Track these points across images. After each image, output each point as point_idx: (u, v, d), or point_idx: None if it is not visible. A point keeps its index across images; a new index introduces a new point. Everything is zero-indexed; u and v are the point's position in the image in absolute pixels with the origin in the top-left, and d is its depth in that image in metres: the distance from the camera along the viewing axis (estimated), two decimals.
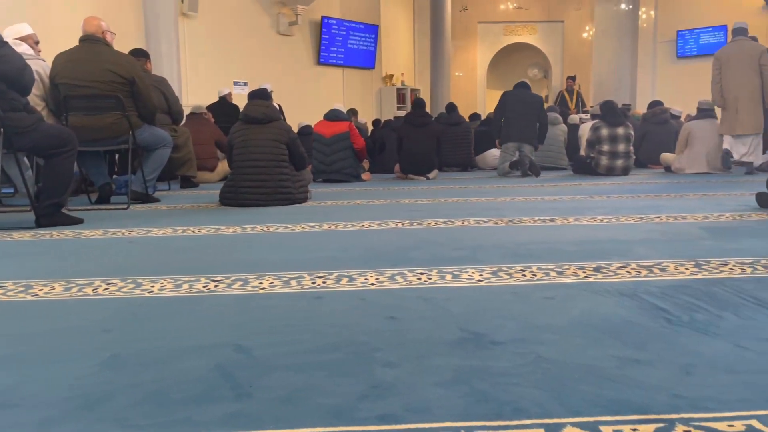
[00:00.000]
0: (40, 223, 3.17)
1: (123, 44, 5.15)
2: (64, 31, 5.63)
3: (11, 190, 4.78)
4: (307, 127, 7.56)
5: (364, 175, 6.47)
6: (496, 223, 3.12)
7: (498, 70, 14.25)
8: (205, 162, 6.13)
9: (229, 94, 7.49)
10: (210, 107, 7.04)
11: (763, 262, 2.05)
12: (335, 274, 1.98)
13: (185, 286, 1.88)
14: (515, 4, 13.97)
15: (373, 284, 1.86)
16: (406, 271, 2.01)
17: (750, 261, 2.07)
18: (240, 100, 5.84)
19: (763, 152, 6.89)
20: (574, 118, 8.74)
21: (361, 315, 1.54)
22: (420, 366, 1.19)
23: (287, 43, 9.91)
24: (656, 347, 1.27)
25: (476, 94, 14.29)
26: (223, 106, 7.20)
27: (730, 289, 1.71)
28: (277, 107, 6.91)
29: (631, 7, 13.20)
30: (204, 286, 1.86)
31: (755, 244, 2.40)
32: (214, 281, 1.92)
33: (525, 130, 6.51)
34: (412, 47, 13.54)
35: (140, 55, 4.99)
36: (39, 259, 2.44)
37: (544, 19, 14.09)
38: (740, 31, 6.37)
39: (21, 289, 1.88)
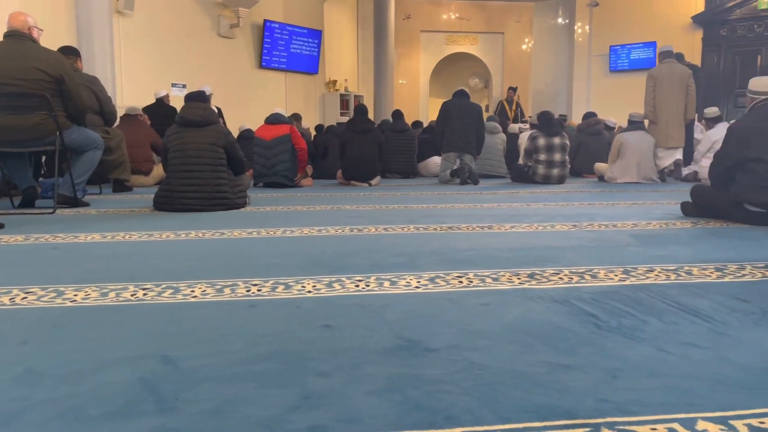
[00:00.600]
0: None
1: (53, 41, 4.92)
2: None
3: None
4: (248, 131, 7.43)
5: (306, 181, 6.41)
6: (435, 229, 3.14)
7: (440, 79, 14.46)
8: (140, 165, 5.92)
9: (167, 95, 7.28)
10: (146, 109, 6.81)
11: (686, 268, 2.14)
12: (271, 282, 1.94)
13: (111, 294, 1.79)
14: (457, 15, 14.22)
15: (309, 292, 1.83)
16: (344, 278, 1.99)
17: (674, 267, 2.15)
18: (178, 102, 5.67)
19: (686, 165, 7.28)
20: (513, 127, 8.94)
21: (295, 323, 1.51)
22: (353, 375, 1.17)
23: (228, 45, 9.73)
24: (585, 352, 1.30)
25: (419, 101, 14.44)
26: (160, 108, 6.98)
27: (655, 294, 1.77)
28: (216, 110, 6.78)
29: (567, 21, 13.69)
30: (132, 295, 1.79)
31: (679, 251, 2.50)
32: (143, 289, 1.85)
33: (466, 139, 6.63)
34: (356, 54, 13.56)
35: (70, 52, 4.78)
36: None
37: (485, 30, 14.41)
38: (668, 54, 6.94)
39: None
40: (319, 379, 1.15)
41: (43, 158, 5.15)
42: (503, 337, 1.40)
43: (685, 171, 6.98)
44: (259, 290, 1.84)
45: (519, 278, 2.00)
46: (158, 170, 5.97)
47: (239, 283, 1.93)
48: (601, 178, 7.00)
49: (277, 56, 10.56)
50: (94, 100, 4.75)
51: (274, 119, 6.02)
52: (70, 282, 1.94)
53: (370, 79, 12.53)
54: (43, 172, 5.26)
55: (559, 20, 13.88)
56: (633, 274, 2.06)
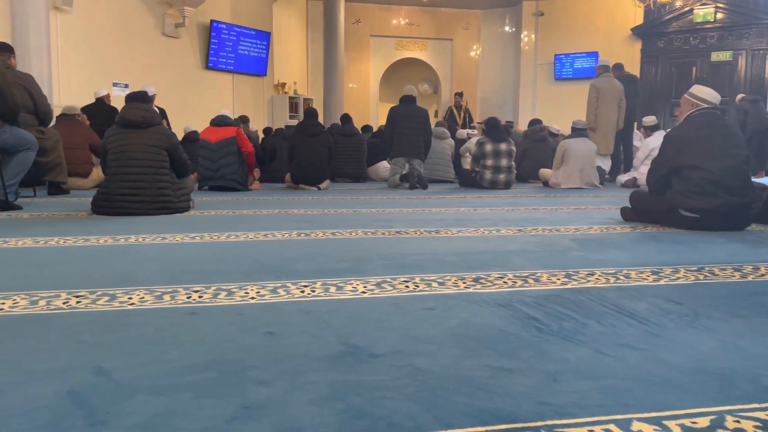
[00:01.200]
0: None
1: None
2: None
3: None
4: (194, 133, 7.27)
5: (254, 185, 6.31)
6: (383, 234, 3.14)
7: (391, 84, 14.52)
8: (78, 167, 5.70)
9: (107, 95, 7.04)
10: (85, 109, 6.57)
11: (625, 272, 2.21)
12: (213, 288, 1.89)
13: (42, 302, 1.71)
14: (407, 20, 14.32)
15: (253, 298, 1.79)
16: (289, 284, 1.96)
17: (613, 271, 2.22)
18: (120, 102, 5.47)
19: (626, 171, 7.55)
20: (461, 133, 9.07)
21: (237, 331, 1.48)
22: (295, 383, 1.15)
23: (173, 45, 9.50)
24: (527, 355, 1.31)
25: (369, 105, 14.46)
26: (100, 108, 6.74)
27: (595, 297, 1.82)
28: (159, 111, 6.59)
29: (514, 29, 14.00)
30: (64, 303, 1.71)
31: (619, 255, 2.58)
32: (77, 297, 1.77)
33: (414, 144, 6.68)
34: (306, 56, 13.47)
35: (3, 49, 4.56)
36: None
37: (434, 36, 14.56)
38: (605, 69, 7.70)
39: None
40: (259, 388, 1.12)
41: None
42: (447, 342, 1.40)
43: (625, 177, 7.24)
44: (200, 297, 1.79)
45: (464, 282, 2.01)
46: (97, 172, 5.76)
47: (180, 289, 1.87)
48: (546, 184, 7.17)
49: (224, 57, 10.38)
50: (27, 98, 4.54)
51: (219, 121, 5.91)
52: None
53: (320, 82, 12.46)
54: None
55: (506, 28, 14.18)
56: (574, 277, 2.10)
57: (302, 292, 1.86)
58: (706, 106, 3.50)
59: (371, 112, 14.38)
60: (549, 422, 0.99)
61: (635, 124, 8.18)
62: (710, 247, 2.79)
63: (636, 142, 8.10)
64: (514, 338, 1.43)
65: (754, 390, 1.12)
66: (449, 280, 2.05)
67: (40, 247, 2.67)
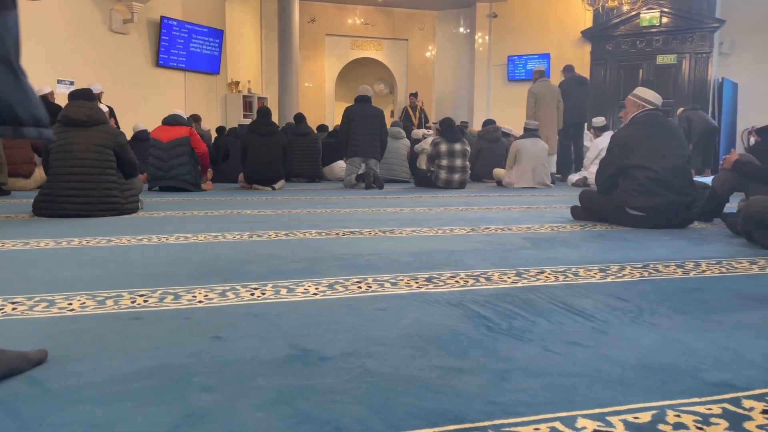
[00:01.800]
0: None
1: None
2: None
3: None
4: (144, 132, 7.09)
5: (206, 185, 6.19)
6: (337, 234, 3.12)
7: (346, 83, 14.47)
8: (19, 168, 5.47)
9: (51, 93, 6.79)
10: None
11: (573, 269, 2.25)
12: (159, 292, 1.83)
13: None
14: (362, 20, 14.30)
15: (201, 302, 1.74)
16: (238, 287, 1.92)
17: (563, 269, 2.26)
18: (65, 100, 5.28)
19: (576, 171, 7.73)
20: (417, 133, 9.11)
21: (183, 336, 1.44)
22: (241, 388, 1.12)
23: (122, 41, 9.22)
24: (476, 355, 1.32)
25: (325, 105, 14.37)
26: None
27: (544, 295, 1.84)
28: (106, 109, 6.39)
29: (468, 31, 14.15)
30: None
31: (568, 253, 2.63)
32: (13, 303, 1.69)
33: (370, 144, 6.67)
34: (260, 55, 13.30)
35: None
36: None
37: (389, 36, 14.58)
38: (541, 74, 8.30)
39: None
40: (204, 395, 1.09)
41: None
42: (398, 343, 1.40)
43: (575, 177, 7.41)
44: (145, 301, 1.73)
45: (417, 282, 2.01)
46: (40, 173, 5.54)
47: (124, 294, 1.81)
48: (500, 183, 7.28)
49: (175, 55, 10.15)
50: None
51: (171, 120, 5.77)
52: None
53: (275, 81, 12.31)
54: None
55: (461, 29, 14.33)
56: (525, 276, 2.13)
57: (252, 294, 1.82)
58: (650, 107, 3.61)
59: (327, 111, 14.30)
60: (497, 422, 0.99)
61: (585, 124, 8.39)
62: (655, 245, 2.88)
63: (586, 143, 8.31)
64: (465, 338, 1.44)
65: (694, 384, 1.15)
66: (402, 280, 2.05)
67: None
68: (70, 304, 1.69)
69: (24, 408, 1.03)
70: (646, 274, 2.20)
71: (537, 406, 1.05)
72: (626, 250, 2.71)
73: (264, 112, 6.48)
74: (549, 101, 7.96)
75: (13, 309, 1.64)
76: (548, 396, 1.10)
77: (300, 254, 2.53)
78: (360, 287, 1.94)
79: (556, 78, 9.44)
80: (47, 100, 6.64)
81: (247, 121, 8.51)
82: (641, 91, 3.69)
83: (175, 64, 10.16)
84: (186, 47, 10.33)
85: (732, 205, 3.96)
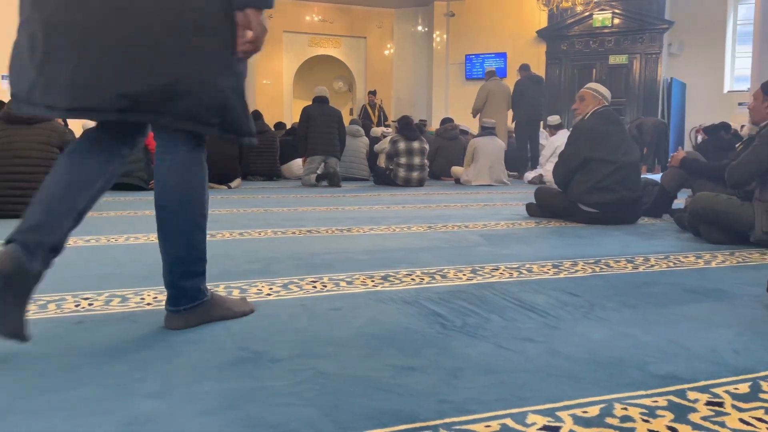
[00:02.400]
0: None
1: None
2: None
3: None
4: None
5: None
6: (294, 233, 3.08)
7: (305, 80, 14.35)
8: None
9: None
10: None
11: (527, 266, 2.28)
12: (105, 295, 1.77)
13: None
14: (320, 17, 14.20)
15: (149, 304, 1.69)
16: None
17: (517, 265, 2.28)
18: (6, 96, 5.09)
19: (533, 168, 7.85)
20: (376, 131, 9.10)
21: (128, 339, 1.39)
22: (187, 393, 1.09)
23: None
24: (429, 353, 1.31)
25: (282, 102, 14.23)
26: None
27: (498, 292, 1.86)
28: None
29: (426, 29, 14.22)
30: None
31: (522, 250, 2.66)
32: None
33: (330, 143, 6.66)
34: None
35: None
36: None
37: (347, 34, 14.52)
38: (492, 74, 8.70)
39: None
40: (147, 401, 1.05)
41: None
42: (352, 343, 1.38)
43: (531, 174, 7.52)
44: (90, 304, 1.67)
45: (373, 281, 2.00)
46: None
47: (67, 297, 1.74)
48: (458, 181, 7.32)
49: None
50: None
51: None
52: None
53: None
54: None
55: (419, 28, 14.38)
56: (480, 273, 2.14)
57: None
58: (606, 104, 3.69)
59: (285, 108, 14.16)
60: (448, 420, 0.98)
61: (541, 123, 8.52)
62: (606, 240, 2.94)
63: (542, 141, 8.44)
64: (418, 336, 1.43)
65: (642, 377, 1.17)
66: (358, 279, 2.03)
67: None
68: None
69: None
70: (597, 269, 2.24)
71: (489, 403, 1.05)
72: (579, 246, 2.76)
73: None
74: (499, 100, 8.30)
75: None
76: (500, 393, 1.10)
77: (254, 254, 2.48)
78: (315, 287, 1.91)
79: (513, 77, 9.56)
80: None
81: None
82: (597, 86, 3.75)
83: None
84: None
85: (680, 201, 4.08)
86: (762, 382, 1.15)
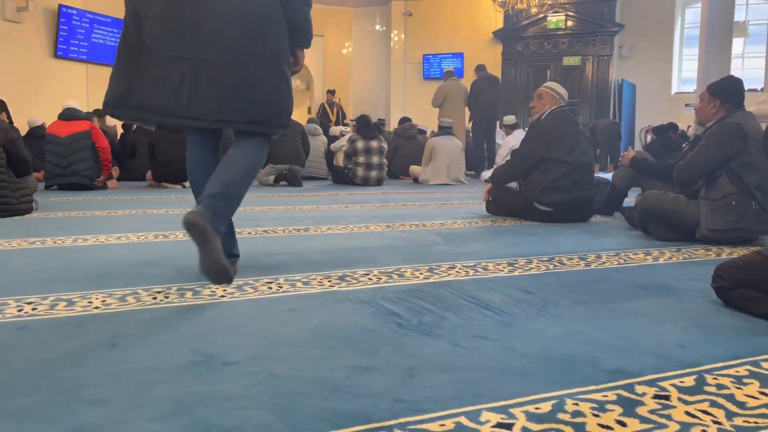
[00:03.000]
0: None
1: None
2: None
3: None
4: (40, 128, 6.63)
5: (111, 183, 5.87)
6: (249, 233, 3.03)
7: None
8: None
9: None
10: None
11: (483, 264, 2.30)
12: (51, 299, 1.71)
13: None
14: None
15: (97, 308, 1.64)
16: (140, 291, 1.82)
17: (473, 264, 2.30)
18: None
19: (489, 167, 7.96)
20: (334, 130, 9.07)
21: (75, 345, 1.34)
22: (136, 399, 1.05)
23: (16, 31, 8.57)
24: (386, 352, 1.31)
25: None
26: None
27: (454, 290, 1.87)
28: None
29: (384, 29, 14.24)
30: None
31: (479, 248, 2.69)
32: None
33: (293, 151, 6.70)
34: None
35: None
36: None
37: None
38: (450, 74, 8.89)
39: None
40: (93, 409, 1.01)
41: None
42: (307, 344, 1.36)
43: (488, 173, 7.61)
44: (34, 309, 1.61)
45: (330, 281, 1.98)
46: None
47: (10, 301, 1.67)
48: (416, 180, 7.36)
49: (75, 46, 9.56)
50: None
51: (69, 114, 5.43)
52: None
53: None
54: None
55: (377, 27, 14.40)
56: (436, 271, 2.16)
57: (154, 299, 1.73)
58: (563, 104, 3.76)
59: None
60: (402, 420, 0.98)
61: (497, 123, 8.64)
62: (560, 238, 3.00)
63: (498, 140, 8.56)
64: (374, 335, 1.42)
65: (593, 373, 1.20)
66: (314, 279, 2.01)
67: None
68: None
69: None
70: (551, 267, 2.28)
71: (443, 401, 1.06)
72: (533, 244, 2.81)
73: None
74: (457, 99, 8.49)
75: None
76: (455, 391, 1.10)
77: None
78: (270, 288, 1.89)
79: (470, 77, 9.67)
80: None
81: None
82: (556, 86, 3.81)
83: (75, 56, 9.57)
84: (87, 38, 9.76)
85: (630, 200, 4.20)
86: (707, 376, 1.19)
